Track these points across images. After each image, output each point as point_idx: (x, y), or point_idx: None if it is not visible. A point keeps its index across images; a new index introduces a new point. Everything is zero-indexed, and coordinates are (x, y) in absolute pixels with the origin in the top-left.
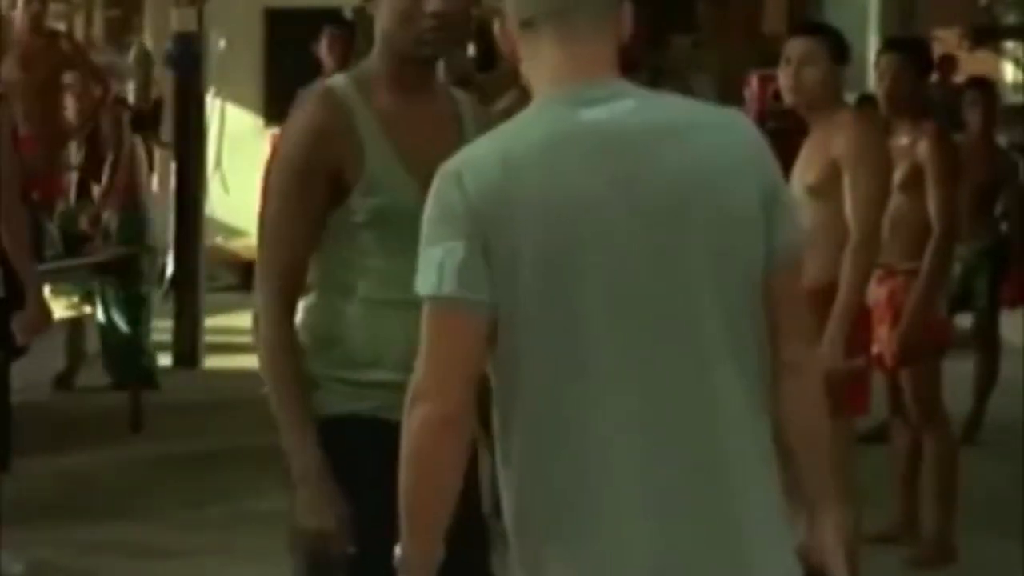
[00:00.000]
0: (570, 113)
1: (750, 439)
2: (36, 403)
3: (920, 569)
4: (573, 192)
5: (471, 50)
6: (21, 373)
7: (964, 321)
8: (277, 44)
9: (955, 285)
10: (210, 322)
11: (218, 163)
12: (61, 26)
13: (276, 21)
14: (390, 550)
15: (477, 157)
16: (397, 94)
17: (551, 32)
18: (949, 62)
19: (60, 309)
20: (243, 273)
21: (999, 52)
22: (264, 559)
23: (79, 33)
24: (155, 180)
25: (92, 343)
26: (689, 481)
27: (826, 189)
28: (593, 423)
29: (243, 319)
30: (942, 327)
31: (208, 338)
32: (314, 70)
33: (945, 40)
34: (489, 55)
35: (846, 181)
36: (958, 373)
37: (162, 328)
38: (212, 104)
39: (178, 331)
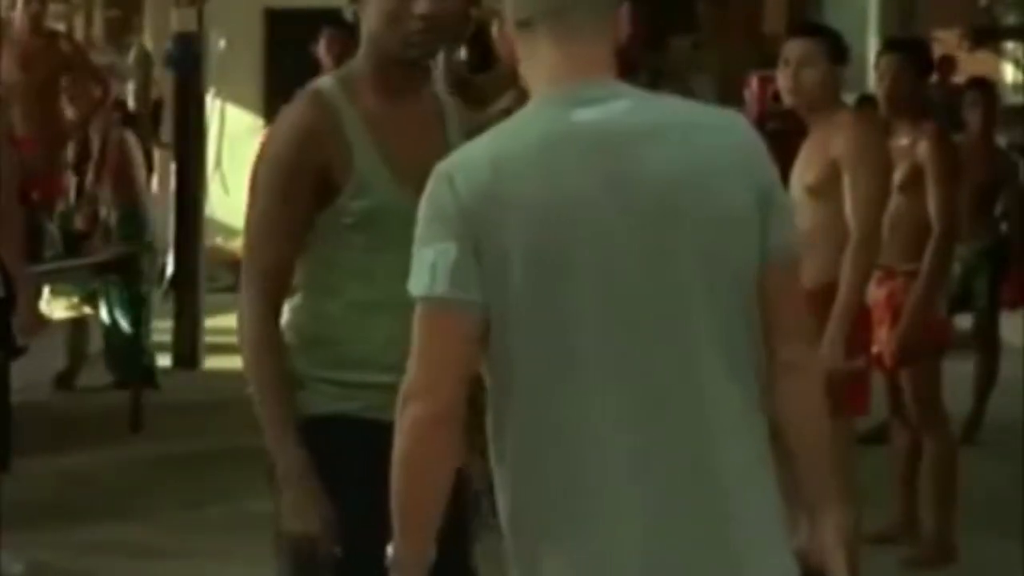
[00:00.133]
0: (564, 114)
1: (745, 439)
2: (36, 403)
3: (920, 569)
4: (564, 193)
5: (463, 52)
6: (21, 373)
7: (964, 321)
8: (277, 44)
9: (955, 285)
10: (210, 322)
11: (218, 163)
12: (61, 26)
13: (276, 21)
14: (378, 550)
15: (469, 158)
16: (383, 95)
17: (548, 32)
18: (949, 63)
19: (60, 309)
20: None
21: (999, 53)
22: (263, 560)
23: (79, 33)
24: (155, 180)
25: (93, 343)
26: (682, 481)
27: (826, 189)
28: (586, 423)
29: None
30: (942, 327)
31: (208, 338)
32: (314, 70)
33: (945, 41)
34: (485, 56)
35: (846, 181)
36: (958, 373)
37: (162, 328)
38: (212, 104)
39: (178, 331)
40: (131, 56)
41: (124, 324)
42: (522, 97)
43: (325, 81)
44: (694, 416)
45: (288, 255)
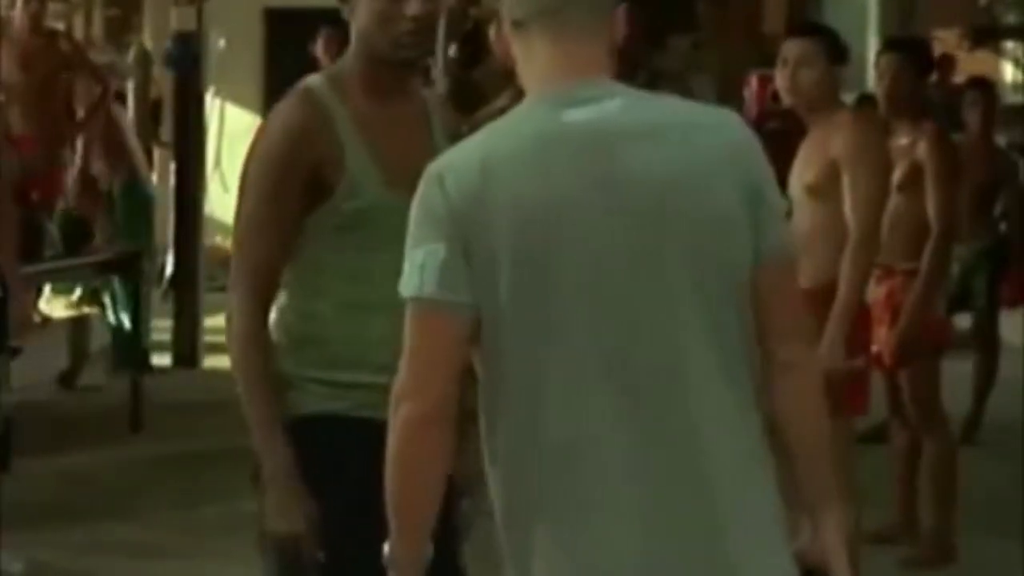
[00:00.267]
0: (555, 114)
1: (740, 438)
2: (36, 403)
3: (919, 569)
4: (553, 194)
5: (452, 49)
6: (21, 373)
7: (963, 321)
8: (277, 44)
9: (954, 285)
10: (209, 322)
11: (217, 163)
12: (60, 26)
13: (276, 21)
14: (369, 548)
15: (459, 160)
16: (372, 95)
17: (543, 31)
18: (948, 62)
19: (60, 309)
20: None
21: (999, 52)
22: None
23: (79, 33)
24: (155, 179)
25: (94, 342)
26: (676, 481)
27: (825, 189)
28: (578, 424)
29: None
30: (941, 327)
31: (208, 338)
32: (313, 70)
33: (945, 40)
34: (476, 53)
35: (845, 181)
36: (957, 373)
37: (162, 328)
38: (212, 104)
39: (178, 331)
40: (130, 55)
41: (125, 321)
42: (519, 95)
43: (315, 80)
44: (686, 416)
45: (278, 254)
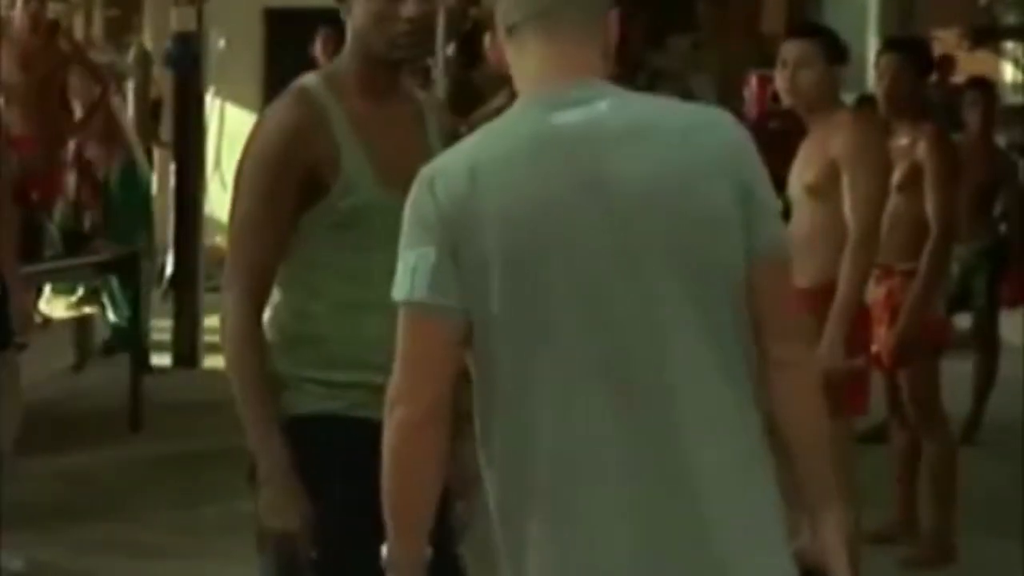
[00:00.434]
0: (544, 116)
1: (736, 437)
2: (36, 403)
3: (919, 569)
4: (539, 198)
5: (450, 49)
6: (21, 373)
7: (963, 321)
8: (277, 44)
9: (954, 285)
10: (209, 322)
11: (217, 163)
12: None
13: (276, 21)
14: (366, 547)
15: (449, 164)
16: (367, 95)
17: (535, 34)
18: (948, 62)
19: (60, 309)
20: None
21: (999, 52)
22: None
23: (79, 32)
24: (155, 179)
25: (96, 341)
26: (669, 480)
27: (825, 189)
28: (570, 425)
29: None
30: (940, 327)
31: (207, 338)
32: (313, 70)
33: (944, 40)
34: (474, 54)
35: (844, 181)
36: (957, 373)
37: (161, 328)
38: (212, 104)
39: (177, 331)
40: (130, 55)
41: (123, 319)
42: (514, 96)
43: (311, 79)
44: (682, 416)
45: (272, 254)
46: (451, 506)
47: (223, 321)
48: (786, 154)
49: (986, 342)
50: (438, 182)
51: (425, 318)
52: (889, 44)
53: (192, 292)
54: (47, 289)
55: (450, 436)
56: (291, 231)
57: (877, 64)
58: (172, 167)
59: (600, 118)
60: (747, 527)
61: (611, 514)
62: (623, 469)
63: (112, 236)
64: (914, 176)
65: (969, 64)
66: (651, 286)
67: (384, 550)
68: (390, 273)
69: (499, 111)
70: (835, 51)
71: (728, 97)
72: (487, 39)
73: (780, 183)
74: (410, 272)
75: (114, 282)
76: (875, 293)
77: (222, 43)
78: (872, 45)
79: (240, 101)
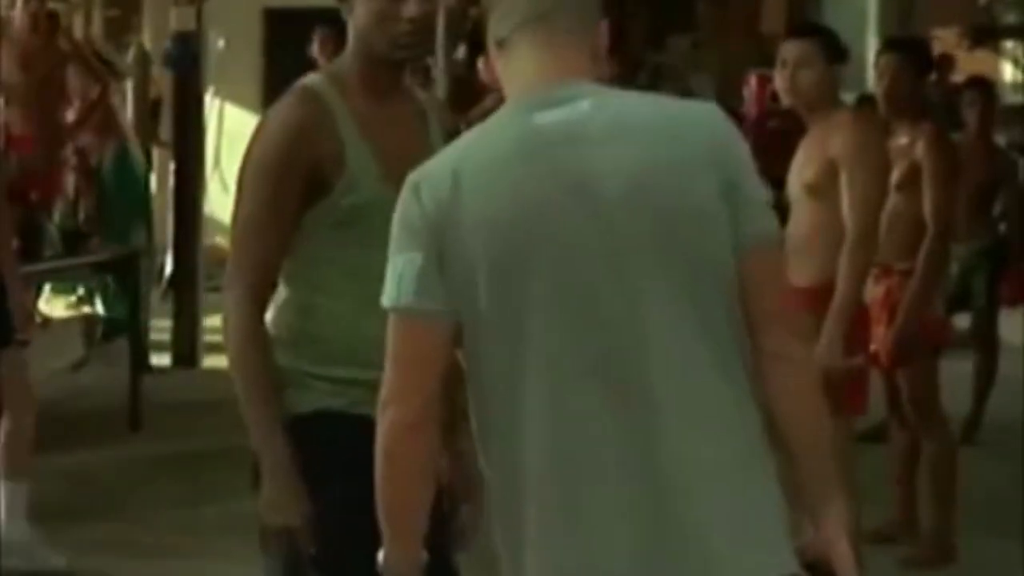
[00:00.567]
0: (527, 117)
1: (736, 435)
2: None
3: (919, 569)
4: (521, 199)
5: (461, 50)
6: None
7: (963, 321)
8: (276, 44)
9: (953, 285)
10: (209, 322)
11: (217, 163)
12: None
13: (275, 21)
14: (369, 544)
15: (433, 169)
16: (370, 94)
17: (524, 44)
18: (947, 62)
19: (60, 308)
20: None
21: (998, 52)
22: (260, 560)
23: (78, 32)
24: (154, 180)
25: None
26: (662, 479)
27: (823, 188)
28: (563, 425)
29: None
30: (939, 327)
31: (207, 338)
32: (312, 70)
33: (944, 40)
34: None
35: (843, 180)
36: (957, 373)
37: (161, 328)
38: (211, 104)
39: (177, 331)
40: (130, 55)
41: (121, 318)
42: (503, 97)
43: (315, 78)
44: (676, 415)
45: (276, 253)
46: (447, 510)
47: (226, 320)
48: (785, 153)
49: (986, 342)
50: (423, 187)
51: (412, 322)
52: (889, 44)
53: (191, 292)
54: (47, 289)
55: (441, 436)
56: (294, 230)
57: (877, 64)
58: (171, 167)
59: (582, 117)
60: (747, 525)
61: (608, 514)
62: (619, 469)
63: (106, 224)
64: (913, 175)
65: (968, 63)
66: (639, 284)
67: (380, 555)
68: None
69: (489, 112)
70: (834, 51)
71: (727, 97)
72: (480, 63)
73: (779, 182)
74: (397, 277)
75: (113, 281)
76: (874, 292)
77: (221, 43)
78: (872, 45)
79: (239, 101)
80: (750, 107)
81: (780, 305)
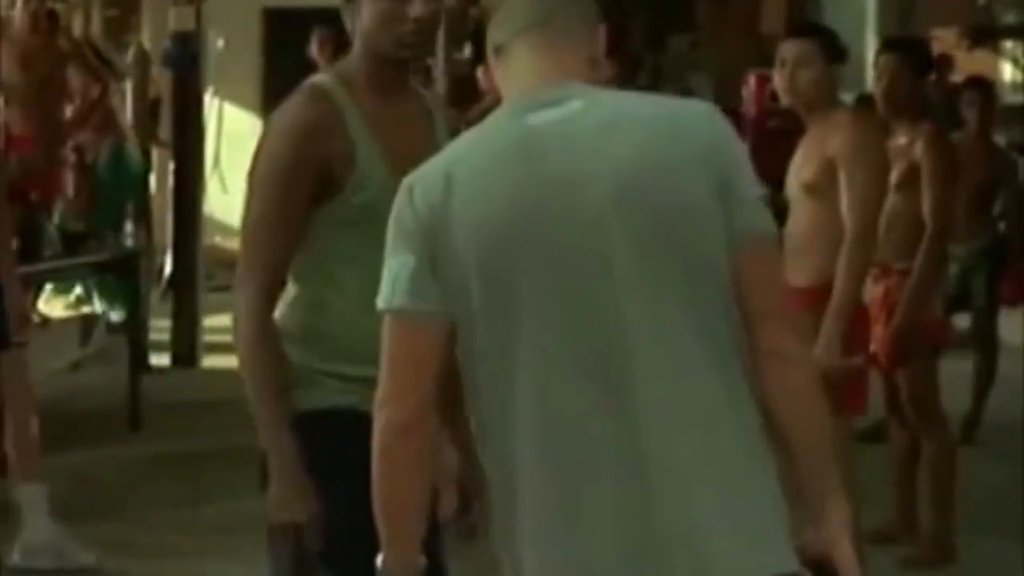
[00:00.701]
0: (519, 118)
1: (734, 434)
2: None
3: (919, 569)
4: (512, 200)
5: (467, 49)
6: None
7: (962, 321)
8: (275, 44)
9: (953, 285)
10: (208, 321)
11: (216, 162)
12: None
13: (274, 21)
14: (375, 540)
15: (427, 172)
16: (376, 93)
17: (521, 49)
18: (947, 61)
19: (60, 309)
20: None
21: (997, 52)
22: (263, 559)
23: (77, 32)
24: (153, 180)
25: (95, 341)
26: (658, 480)
27: (822, 187)
28: (559, 425)
29: None
30: (937, 327)
31: (207, 337)
32: (311, 70)
33: (943, 40)
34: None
35: (842, 180)
36: (956, 373)
37: (160, 328)
38: (210, 103)
39: (177, 330)
40: (129, 55)
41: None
42: (500, 97)
43: (323, 77)
44: (671, 414)
45: (286, 251)
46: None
47: (236, 319)
48: (785, 153)
49: (985, 341)
50: (416, 190)
51: (406, 324)
52: (888, 44)
53: (191, 292)
54: (47, 289)
55: (454, 434)
56: (304, 228)
57: (876, 64)
58: (171, 167)
59: (573, 117)
60: (743, 525)
61: (599, 514)
62: (610, 470)
63: (98, 217)
64: (912, 175)
65: (968, 63)
66: (631, 284)
67: (379, 560)
68: None
69: (487, 111)
70: (834, 51)
71: (726, 96)
72: (479, 72)
73: (779, 182)
74: (391, 279)
75: (109, 280)
76: (873, 292)
77: (221, 43)
78: (871, 45)
79: (239, 101)
80: (749, 107)
81: (777, 303)
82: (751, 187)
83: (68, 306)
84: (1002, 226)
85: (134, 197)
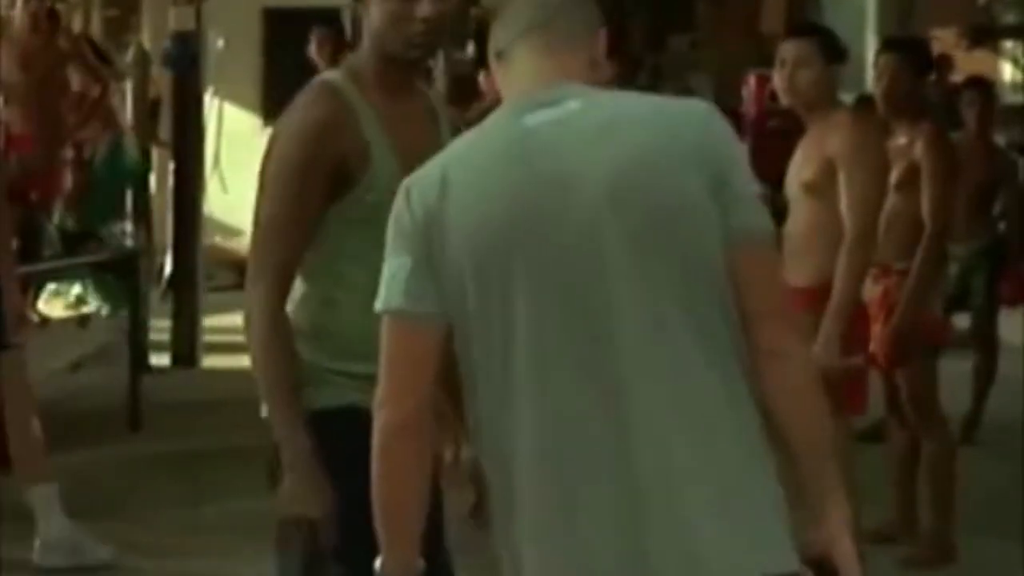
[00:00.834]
0: (517, 119)
1: (733, 434)
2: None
3: (918, 568)
4: (508, 200)
5: (470, 49)
6: None
7: (962, 321)
8: (275, 43)
9: (953, 285)
10: (208, 322)
11: (216, 162)
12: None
13: (274, 20)
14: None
15: (424, 174)
16: (385, 92)
17: (522, 52)
18: (946, 61)
19: (59, 308)
20: (242, 272)
21: (997, 52)
22: (263, 559)
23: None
24: (153, 180)
25: (94, 341)
26: (655, 479)
27: (822, 187)
28: (555, 425)
29: (241, 319)
30: (937, 327)
31: (206, 337)
32: (311, 70)
33: (943, 40)
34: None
35: (841, 180)
36: (956, 373)
37: (160, 328)
38: (210, 103)
39: (176, 331)
40: (129, 55)
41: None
42: (499, 98)
43: (333, 75)
44: (669, 415)
45: (300, 250)
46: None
47: (247, 318)
48: (785, 153)
49: (985, 341)
50: (413, 191)
51: (403, 326)
52: (888, 44)
53: (191, 292)
54: (47, 289)
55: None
56: (316, 226)
57: (876, 64)
58: (171, 167)
59: (570, 117)
60: (740, 524)
61: (597, 514)
62: (606, 469)
63: (93, 211)
64: (912, 175)
65: (968, 63)
66: (626, 285)
67: (377, 562)
68: None
69: (486, 111)
70: (833, 51)
71: (727, 96)
72: (481, 77)
73: (779, 182)
74: (389, 281)
75: (112, 281)
76: (872, 292)
77: (221, 43)
78: (871, 45)
79: (239, 101)
80: (749, 107)
81: (776, 302)
82: (747, 185)
83: (68, 306)
84: (1002, 226)
85: (133, 187)
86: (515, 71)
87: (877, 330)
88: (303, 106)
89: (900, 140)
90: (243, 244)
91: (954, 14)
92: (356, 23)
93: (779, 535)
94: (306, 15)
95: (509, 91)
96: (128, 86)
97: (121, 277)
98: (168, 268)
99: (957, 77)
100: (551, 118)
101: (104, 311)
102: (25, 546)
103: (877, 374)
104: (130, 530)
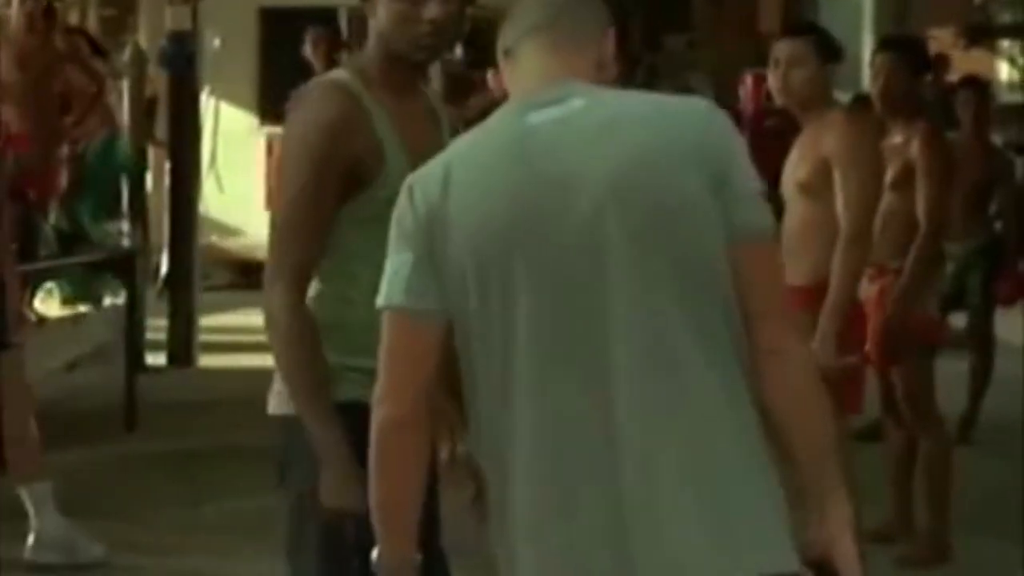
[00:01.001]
0: (520, 118)
1: (732, 434)
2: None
3: (915, 568)
4: (509, 198)
5: (458, 50)
6: None
7: (958, 320)
8: (272, 43)
9: (949, 284)
10: (205, 321)
11: (213, 162)
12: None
13: (271, 20)
14: None
15: (427, 172)
16: (391, 91)
17: (529, 50)
18: (943, 61)
19: (55, 308)
20: (238, 272)
21: (994, 51)
22: (260, 558)
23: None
24: (149, 179)
25: (92, 341)
26: (653, 479)
27: (817, 187)
28: (553, 424)
29: (238, 318)
30: (932, 326)
31: (203, 337)
32: (308, 69)
33: (940, 39)
34: (480, 54)
35: (837, 179)
36: (953, 372)
37: (157, 327)
38: (207, 103)
39: (173, 330)
40: (126, 54)
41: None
42: (491, 95)
43: (341, 73)
44: (668, 414)
45: (318, 248)
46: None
47: (269, 317)
48: (781, 152)
49: (981, 341)
50: (416, 189)
51: (404, 321)
52: (884, 43)
53: (187, 291)
54: (44, 288)
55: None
56: (332, 224)
57: (872, 63)
58: (167, 166)
59: (573, 116)
60: (737, 524)
61: (593, 513)
62: (603, 469)
63: (85, 206)
64: (907, 175)
65: (964, 63)
66: (625, 283)
67: (374, 554)
68: None
69: (482, 112)
70: (828, 50)
71: (724, 96)
72: (489, 75)
73: (775, 182)
74: (391, 277)
75: (108, 280)
76: (868, 291)
77: (217, 42)
78: (868, 44)
79: (235, 100)
80: (746, 106)
81: (776, 301)
82: (749, 183)
83: (64, 303)
84: (998, 225)
85: (127, 184)
86: (521, 69)
87: (873, 329)
88: (313, 106)
89: (896, 139)
90: (239, 244)
91: (951, 13)
92: (352, 23)
93: (779, 535)
94: (303, 15)
95: (516, 89)
96: (124, 85)
97: (117, 276)
98: (164, 267)
99: (953, 76)
100: (554, 116)
101: (95, 310)
102: (20, 544)
103: (874, 373)
104: (126, 529)
